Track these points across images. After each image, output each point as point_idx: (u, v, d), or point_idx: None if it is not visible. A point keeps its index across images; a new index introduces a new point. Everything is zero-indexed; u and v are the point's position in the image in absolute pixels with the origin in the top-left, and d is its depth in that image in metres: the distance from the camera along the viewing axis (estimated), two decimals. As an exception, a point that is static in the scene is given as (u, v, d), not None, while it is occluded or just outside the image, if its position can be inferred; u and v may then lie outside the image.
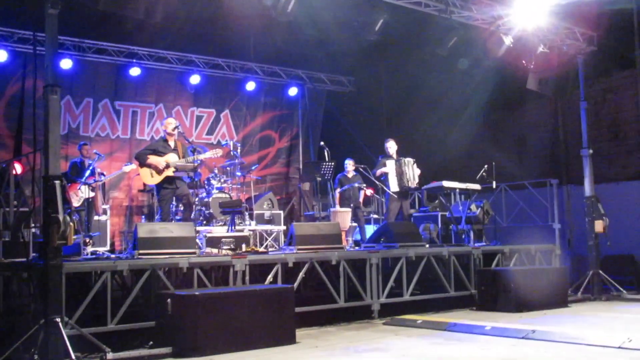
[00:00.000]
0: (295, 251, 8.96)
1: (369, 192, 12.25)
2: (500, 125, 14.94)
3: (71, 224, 6.64)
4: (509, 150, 14.61)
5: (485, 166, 11.39)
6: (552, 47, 11.70)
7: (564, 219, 13.16)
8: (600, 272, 11.36)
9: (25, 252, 7.57)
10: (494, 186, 11.48)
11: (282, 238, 11.64)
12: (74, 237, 7.09)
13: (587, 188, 11.80)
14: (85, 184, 10.37)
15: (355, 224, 11.92)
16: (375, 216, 12.97)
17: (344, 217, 11.05)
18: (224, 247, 9.23)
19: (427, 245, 10.49)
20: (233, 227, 10.23)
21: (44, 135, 6.82)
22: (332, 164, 11.36)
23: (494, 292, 9.80)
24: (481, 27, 11.11)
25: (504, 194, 12.37)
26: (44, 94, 6.90)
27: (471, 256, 10.53)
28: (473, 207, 11.34)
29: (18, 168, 9.62)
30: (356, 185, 12.13)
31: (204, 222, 10.95)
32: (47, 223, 6.58)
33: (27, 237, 8.14)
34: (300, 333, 7.83)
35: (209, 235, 9.50)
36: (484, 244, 11.17)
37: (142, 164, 9.65)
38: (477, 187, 11.55)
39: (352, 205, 11.87)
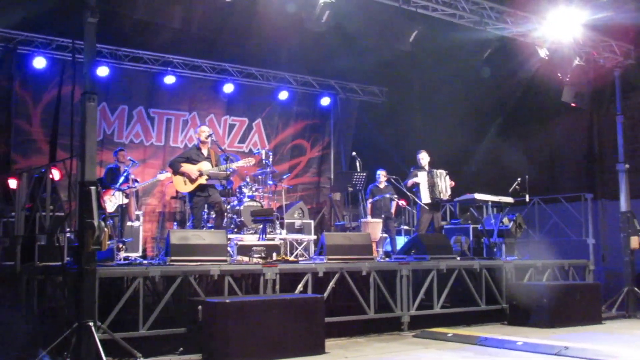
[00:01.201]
0: (325, 261, 8.96)
1: (402, 203, 12.18)
2: (534, 137, 14.78)
3: (106, 229, 6.72)
4: (542, 163, 14.46)
5: (519, 179, 11.29)
6: (588, 60, 11.59)
7: (598, 234, 12.96)
8: (636, 289, 11.18)
9: (60, 257, 7.67)
10: (527, 199, 11.37)
11: (312, 247, 11.64)
12: (108, 242, 7.18)
13: (623, 203, 11.63)
14: (119, 190, 10.49)
15: (385, 235, 11.88)
16: (406, 227, 12.90)
17: (375, 227, 11.03)
18: (255, 256, 9.26)
19: (459, 258, 10.42)
20: (264, 236, 10.23)
21: (80, 141, 6.91)
22: (364, 174, 11.35)
23: (525, 307, 9.69)
24: (516, 39, 11.06)
25: (537, 208, 12.24)
26: (82, 100, 6.98)
27: (503, 270, 10.42)
28: (505, 220, 11.23)
29: (56, 174, 9.77)
30: (387, 196, 12.10)
31: (235, 230, 10.98)
32: (82, 228, 6.65)
33: (62, 241, 8.25)
34: (329, 343, 7.82)
35: (240, 243, 9.52)
36: (516, 257, 11.04)
37: (176, 171, 9.75)
38: (509, 200, 11.45)
39: (383, 216, 11.83)
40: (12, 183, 9.44)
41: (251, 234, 10.79)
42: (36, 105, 12.47)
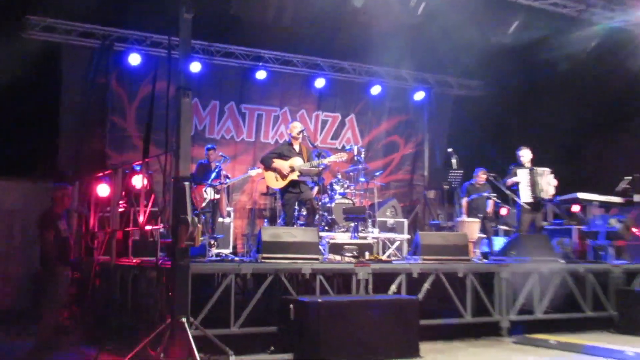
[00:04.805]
0: (420, 261, 8.88)
1: (503, 211, 11.86)
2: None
3: (199, 225, 6.80)
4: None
5: (629, 177, 10.76)
6: None
7: None
8: None
9: (153, 252, 7.84)
10: (637, 199, 10.82)
11: (405, 247, 11.54)
12: (200, 238, 7.26)
13: None
14: (210, 185, 10.63)
15: (483, 236, 11.62)
16: (505, 228, 12.57)
17: (471, 227, 10.81)
18: (347, 254, 9.24)
19: (562, 261, 10.03)
20: (356, 234, 10.21)
21: (175, 136, 7.01)
22: (461, 171, 11.12)
23: (636, 315, 9.22)
24: (624, 29, 10.53)
25: (648, 208, 11.65)
26: (177, 96, 7.10)
27: (611, 274, 9.94)
28: (613, 221, 10.75)
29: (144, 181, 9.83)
30: (485, 194, 11.85)
31: (327, 227, 10.99)
32: (176, 224, 6.75)
33: (155, 237, 8.42)
34: (424, 347, 7.66)
35: (331, 241, 9.52)
36: (626, 262, 10.53)
37: (268, 167, 9.82)
38: (618, 200, 10.96)
39: (480, 215, 11.59)
40: (102, 190, 9.68)
41: (343, 232, 10.78)
42: (131, 102, 12.81)
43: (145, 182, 8.72)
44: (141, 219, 8.36)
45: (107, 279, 8.84)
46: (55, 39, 12.11)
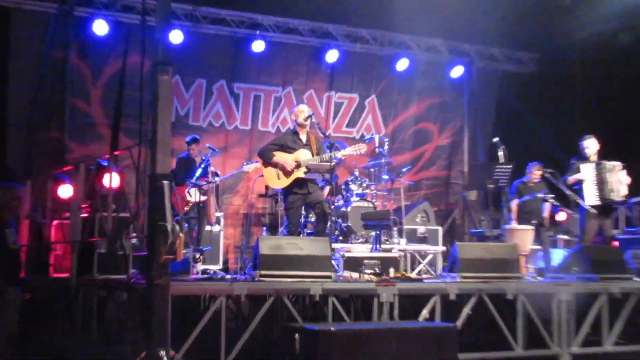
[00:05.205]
0: (458, 280, 8.91)
1: (562, 216, 11.87)
2: None
3: (181, 235, 6.80)
4: None
5: None
6: None
7: None
8: None
9: (124, 268, 7.87)
10: None
11: (440, 262, 11.56)
12: (184, 251, 7.30)
13: None
14: (195, 185, 10.64)
15: (538, 247, 11.62)
16: (565, 237, 12.58)
17: (523, 236, 10.80)
18: (367, 271, 9.25)
19: (637, 279, 10.04)
20: (378, 246, 10.22)
21: (151, 124, 7.00)
22: (510, 167, 11.11)
23: None
24: None
25: None
26: (153, 74, 7.03)
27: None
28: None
29: (115, 180, 9.87)
30: (540, 196, 11.87)
31: (341, 237, 11.00)
32: (152, 233, 6.75)
33: (127, 249, 8.47)
34: (464, 386, 7.71)
35: (347, 254, 9.53)
36: None
37: (267, 162, 9.85)
38: None
39: (534, 221, 11.62)
40: (64, 191, 9.73)
41: (361, 243, 10.81)
42: (96, 81, 12.89)
43: (116, 181, 8.75)
44: (109, 227, 8.38)
45: (66, 301, 8.85)
46: (3, 2, 12.09)
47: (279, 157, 9.77)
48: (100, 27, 12.59)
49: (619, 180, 11.05)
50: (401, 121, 15.35)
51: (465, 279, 8.90)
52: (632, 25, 13.24)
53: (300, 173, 9.74)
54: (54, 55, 12.58)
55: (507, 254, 9.39)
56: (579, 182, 11.20)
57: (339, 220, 11.10)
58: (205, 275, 9.47)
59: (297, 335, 7.30)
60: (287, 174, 9.75)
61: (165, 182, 6.85)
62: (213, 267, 10.94)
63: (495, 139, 11.73)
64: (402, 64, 14.97)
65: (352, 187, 11.56)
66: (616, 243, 11.61)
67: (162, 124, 7.00)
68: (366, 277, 9.08)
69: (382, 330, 7.44)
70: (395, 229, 11.07)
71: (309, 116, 9.99)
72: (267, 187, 12.30)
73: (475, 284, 8.83)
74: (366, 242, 10.77)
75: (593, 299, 9.37)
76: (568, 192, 11.26)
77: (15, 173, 11.59)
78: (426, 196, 14.79)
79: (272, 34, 14.00)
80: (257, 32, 13.82)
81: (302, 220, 10.49)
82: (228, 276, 9.71)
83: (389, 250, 10.29)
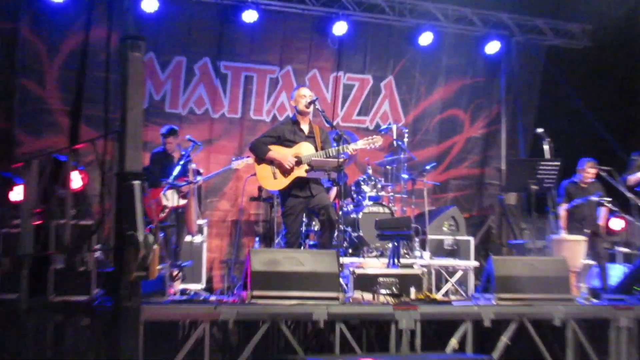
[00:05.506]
0: (494, 302, 8.89)
1: (619, 224, 11.76)
2: None
3: (155, 247, 6.73)
4: None
5: None
6: None
7: None
8: None
9: (86, 287, 7.75)
10: None
11: (471, 280, 11.61)
12: (158, 267, 7.21)
13: None
14: (173, 186, 10.58)
15: (592, 262, 11.56)
16: (626, 250, 12.50)
17: (574, 249, 10.77)
18: (382, 292, 9.23)
19: None
20: (396, 261, 10.21)
21: (120, 111, 6.94)
22: (557, 163, 11.00)
23: None
24: None
25: None
26: (122, 50, 7.01)
27: None
28: None
29: (76, 181, 9.82)
30: (594, 199, 11.84)
31: (351, 250, 10.95)
32: (120, 245, 6.69)
33: (89, 264, 8.36)
34: None
35: (358, 271, 9.50)
36: None
37: (261, 158, 9.76)
38: None
39: (587, 230, 11.60)
40: (16, 194, 9.65)
41: (375, 257, 10.85)
42: (52, 59, 12.77)
43: (76, 181, 8.66)
44: (68, 237, 8.28)
45: (14, 328, 8.77)
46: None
47: (276, 151, 9.69)
48: (57, -7, 12.61)
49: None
50: (424, 108, 15.37)
51: (502, 301, 8.88)
52: None
53: (301, 171, 9.65)
54: (0, 26, 12.50)
55: (554, 270, 9.39)
56: (643, 183, 11.16)
57: (349, 229, 11.06)
58: (185, 297, 9.47)
59: (297, 371, 7.31)
60: (285, 172, 9.67)
61: (136, 183, 6.83)
62: (194, 287, 10.92)
63: (540, 130, 11.63)
64: (425, 38, 14.91)
65: (365, 188, 11.59)
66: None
67: (132, 111, 6.98)
68: (382, 298, 9.07)
69: (402, 364, 7.41)
70: (417, 239, 11.03)
71: (312, 102, 9.90)
72: (260, 189, 12.35)
73: (514, 308, 8.83)
74: (381, 255, 10.78)
75: (660, 325, 9.38)
76: (629, 194, 11.25)
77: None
78: (455, 200, 14.89)
79: (267, 0, 13.92)
80: (249, -1, 13.83)
81: (304, 229, 10.44)
82: (212, 298, 9.70)
83: (410, 266, 10.31)
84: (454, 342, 8.44)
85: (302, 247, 10.21)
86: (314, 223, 10.53)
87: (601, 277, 11.69)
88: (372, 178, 11.73)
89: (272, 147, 9.71)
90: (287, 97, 13.53)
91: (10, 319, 8.84)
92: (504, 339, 8.65)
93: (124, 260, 6.73)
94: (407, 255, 10.81)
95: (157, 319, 7.77)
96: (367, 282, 9.31)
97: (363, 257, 10.85)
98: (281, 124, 10.38)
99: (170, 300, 8.78)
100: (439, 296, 9.98)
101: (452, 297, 10.37)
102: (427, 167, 12.56)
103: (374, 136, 10.10)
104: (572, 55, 15.90)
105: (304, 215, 10.18)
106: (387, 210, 11.38)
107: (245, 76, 14.12)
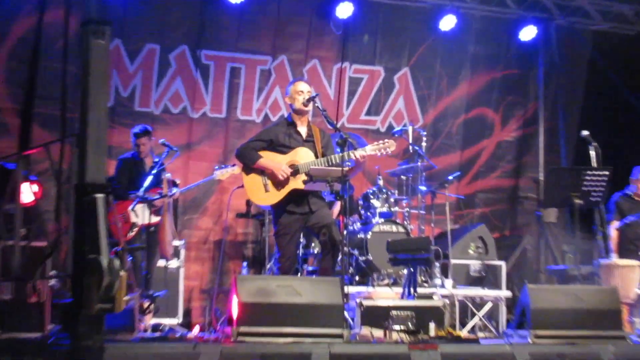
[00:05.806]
0: (530, 340, 8.84)
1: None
2: None
3: (122, 273, 6.71)
4: None
5: None
6: None
7: None
8: None
9: (39, 323, 7.75)
10: None
11: (502, 313, 11.59)
12: (126, 297, 7.19)
13: None
14: (144, 200, 10.62)
15: (650, 292, 11.57)
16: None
17: (627, 276, 10.84)
18: (396, 328, 9.21)
19: None
20: (412, 290, 10.18)
21: (80, 110, 6.93)
22: (606, 173, 11.01)
23: None
24: None
25: None
26: (82, 37, 6.99)
27: None
28: None
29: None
30: (651, 215, 11.83)
31: (358, 277, 10.94)
32: (80, 271, 6.67)
33: (43, 295, 8.35)
34: None
35: (367, 303, 9.51)
36: None
37: (250, 166, 9.76)
38: None
39: (642, 253, 11.62)
40: None
41: (387, 285, 10.86)
42: (-2, 47, 12.94)
43: (27, 194, 8.65)
44: (17, 262, 8.29)
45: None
46: None
47: (268, 159, 9.70)
48: (4, -32, 12.61)
49: None
50: (446, 106, 15.44)
51: (540, 339, 8.83)
52: None
53: (297, 183, 9.65)
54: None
55: (602, 302, 9.31)
56: None
57: (355, 252, 11.03)
58: (158, 334, 9.41)
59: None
60: (279, 184, 9.66)
61: (99, 196, 6.77)
62: (169, 322, 10.95)
63: (585, 132, 11.63)
64: (447, 22, 14.92)
65: (375, 203, 11.62)
66: None
67: (95, 110, 6.92)
68: (395, 336, 9.03)
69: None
70: (437, 264, 11.02)
71: (312, 99, 9.92)
72: (249, 204, 12.31)
73: (555, 347, 8.73)
74: (395, 284, 10.75)
75: None
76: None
77: None
78: (483, 216, 14.93)
79: (256, -21, 14.00)
80: (236, -25, 13.83)
81: (301, 251, 10.43)
82: (191, 335, 9.65)
83: (429, 297, 10.34)
84: (481, 389, 8.45)
85: (299, 274, 10.19)
86: (313, 245, 10.54)
87: (659, 310, 11.66)
88: (384, 190, 11.75)
89: (263, 153, 9.72)
90: (282, 93, 13.61)
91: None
92: (542, 385, 8.66)
93: (84, 290, 6.71)
94: (425, 284, 10.83)
95: (126, 362, 7.76)
96: (377, 316, 9.30)
97: (372, 285, 10.86)
98: (274, 126, 10.37)
99: (140, 337, 8.72)
100: (463, 333, 9.96)
101: (480, 335, 10.35)
102: (450, 178, 12.59)
103: (386, 140, 10.09)
104: (624, 43, 15.91)
105: (302, 235, 10.19)
106: (401, 229, 11.42)
107: (231, 68, 14.17)
